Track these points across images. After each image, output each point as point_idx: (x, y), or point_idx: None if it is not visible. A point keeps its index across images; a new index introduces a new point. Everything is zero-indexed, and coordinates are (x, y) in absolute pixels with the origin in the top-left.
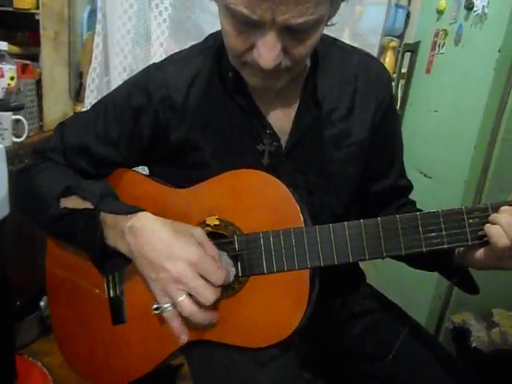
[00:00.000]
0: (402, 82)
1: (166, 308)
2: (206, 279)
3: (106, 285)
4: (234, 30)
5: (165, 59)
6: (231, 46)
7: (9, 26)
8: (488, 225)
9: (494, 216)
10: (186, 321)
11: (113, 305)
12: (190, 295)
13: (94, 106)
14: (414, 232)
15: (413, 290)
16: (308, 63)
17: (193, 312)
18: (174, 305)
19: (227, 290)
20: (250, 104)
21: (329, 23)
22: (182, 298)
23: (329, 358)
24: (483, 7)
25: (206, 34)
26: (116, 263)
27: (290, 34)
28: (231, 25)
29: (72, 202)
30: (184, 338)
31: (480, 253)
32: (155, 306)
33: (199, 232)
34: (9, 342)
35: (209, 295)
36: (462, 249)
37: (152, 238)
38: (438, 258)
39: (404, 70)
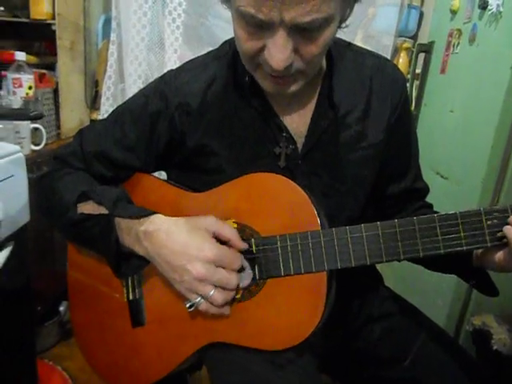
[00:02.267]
0: (416, 82)
1: (199, 302)
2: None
3: (125, 288)
4: (245, 32)
5: (181, 66)
6: (243, 50)
7: (26, 37)
8: (507, 226)
9: None
10: (205, 323)
11: (132, 307)
12: (216, 287)
13: (112, 113)
14: (431, 234)
15: (431, 291)
16: (324, 67)
17: (226, 299)
18: (206, 298)
19: (245, 292)
20: (266, 107)
21: (342, 25)
22: (212, 293)
23: (347, 360)
24: (498, 6)
25: (220, 40)
26: (133, 265)
27: (300, 33)
28: (242, 28)
29: (89, 207)
30: (227, 311)
31: (499, 255)
32: (188, 304)
33: (211, 221)
34: (30, 346)
35: (233, 281)
36: (480, 251)
37: (167, 242)
38: (455, 260)
39: (418, 71)
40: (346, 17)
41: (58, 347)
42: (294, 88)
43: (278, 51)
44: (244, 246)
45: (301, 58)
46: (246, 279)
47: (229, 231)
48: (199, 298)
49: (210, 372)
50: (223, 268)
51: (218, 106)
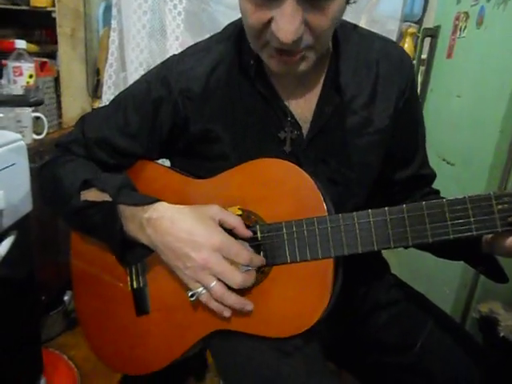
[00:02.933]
0: (422, 68)
1: (201, 292)
2: (233, 263)
3: (129, 276)
4: (252, 4)
5: (184, 50)
6: (249, 24)
7: (26, 25)
8: None
9: None
10: (210, 311)
11: (136, 296)
12: (219, 280)
13: (114, 99)
14: (440, 219)
15: (437, 278)
16: (330, 49)
17: (224, 296)
18: (207, 288)
19: None
20: (271, 91)
21: (350, 1)
22: (214, 284)
23: (353, 348)
24: None
25: (221, 27)
26: (137, 254)
27: (308, 2)
28: (248, 0)
29: (92, 195)
30: (227, 313)
31: (510, 241)
32: (190, 293)
33: (215, 209)
34: (35, 336)
35: (236, 278)
36: (489, 237)
37: (172, 229)
38: (464, 246)
39: (424, 56)
40: None
41: (62, 336)
42: (302, 67)
43: (287, 22)
44: (249, 233)
45: (310, 31)
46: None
47: (233, 219)
48: (201, 288)
49: (215, 360)
50: (229, 261)
51: (221, 90)
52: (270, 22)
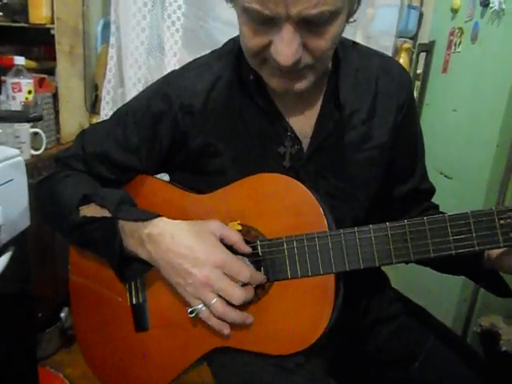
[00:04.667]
0: (417, 83)
1: (201, 309)
2: (233, 279)
3: (128, 292)
4: (251, 29)
5: (185, 65)
6: (249, 47)
7: (25, 41)
8: None
9: None
10: (211, 328)
11: (135, 312)
12: (220, 297)
13: (114, 114)
14: (442, 234)
15: (436, 292)
16: (329, 66)
17: (225, 313)
18: (207, 305)
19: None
20: (270, 106)
21: (350, 20)
22: (214, 301)
23: (355, 364)
24: (500, 3)
25: (219, 43)
26: (136, 270)
27: (307, 27)
28: (247, 24)
29: (91, 210)
30: (226, 331)
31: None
32: (190, 310)
33: (216, 225)
34: (31, 353)
35: (237, 294)
36: (492, 253)
37: (173, 245)
38: (466, 261)
39: (419, 71)
40: (353, 11)
41: (59, 354)
42: (302, 85)
43: (285, 46)
44: (249, 250)
45: (309, 53)
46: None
47: (234, 235)
48: (201, 305)
49: (215, 377)
50: (230, 277)
51: (221, 105)
52: (268, 45)
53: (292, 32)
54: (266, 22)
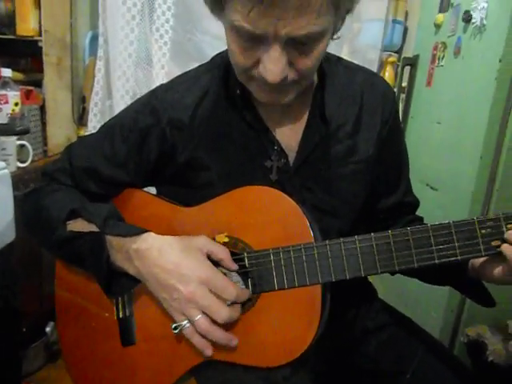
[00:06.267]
0: (402, 96)
1: (185, 325)
2: (219, 297)
3: (115, 306)
4: (239, 46)
5: (172, 80)
6: (237, 63)
7: (12, 53)
8: (505, 245)
9: (509, 234)
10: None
11: (122, 326)
12: (205, 314)
13: (102, 128)
14: (425, 244)
15: (423, 303)
16: (315, 80)
17: (209, 331)
18: (191, 321)
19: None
20: (257, 121)
21: (334, 37)
22: (198, 318)
23: (343, 376)
24: (481, 19)
25: (207, 56)
26: (123, 285)
27: (295, 46)
28: (236, 42)
29: (78, 225)
30: (208, 351)
31: (497, 269)
32: (174, 326)
33: (203, 241)
34: (15, 369)
35: (222, 313)
36: (476, 263)
37: (160, 260)
38: (451, 271)
39: (404, 84)
40: (337, 28)
41: (44, 370)
42: (288, 98)
43: (273, 65)
44: (235, 267)
45: (295, 70)
46: (236, 311)
47: (221, 251)
48: (186, 322)
49: None
50: (215, 295)
51: (209, 119)
52: (257, 62)
53: (280, 51)
54: (254, 40)
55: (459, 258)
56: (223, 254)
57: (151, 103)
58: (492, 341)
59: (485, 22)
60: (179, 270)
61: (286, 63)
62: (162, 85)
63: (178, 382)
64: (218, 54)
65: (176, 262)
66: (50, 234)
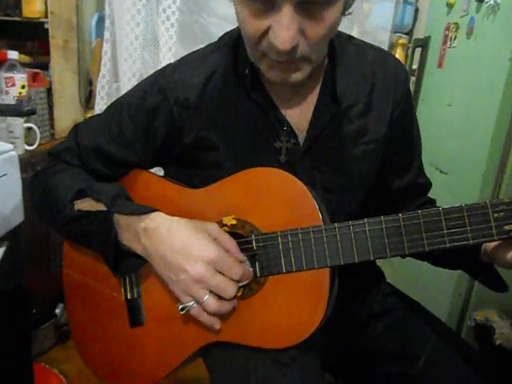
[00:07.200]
0: (412, 78)
1: (192, 306)
2: (225, 276)
3: (122, 287)
4: (249, 12)
5: (180, 59)
6: (247, 33)
7: (18, 36)
8: None
9: None
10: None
11: (130, 307)
12: (211, 292)
13: (109, 108)
14: (436, 228)
15: (431, 287)
16: (326, 59)
17: (219, 308)
18: (199, 302)
19: (246, 290)
20: (266, 100)
21: (346, 12)
22: (206, 298)
23: (350, 358)
24: None
25: (214, 38)
26: (131, 264)
27: (305, 11)
28: (246, 7)
29: (86, 204)
30: (217, 326)
31: (510, 253)
32: (180, 307)
33: (214, 227)
34: (26, 350)
35: (230, 290)
36: (488, 247)
37: (168, 239)
38: (462, 255)
39: (415, 66)
40: (349, 3)
41: (54, 350)
42: (298, 76)
43: (284, 29)
44: (242, 258)
45: (306, 39)
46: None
47: (229, 242)
48: (192, 302)
49: (210, 372)
50: (222, 275)
51: (217, 99)
52: (267, 31)
53: (291, 15)
54: (264, 5)
55: (471, 242)
56: (230, 244)
57: (159, 82)
58: (500, 325)
59: (499, 0)
60: (186, 249)
61: (297, 30)
62: (169, 64)
63: (186, 361)
64: (226, 33)
65: (183, 241)
66: (58, 213)
